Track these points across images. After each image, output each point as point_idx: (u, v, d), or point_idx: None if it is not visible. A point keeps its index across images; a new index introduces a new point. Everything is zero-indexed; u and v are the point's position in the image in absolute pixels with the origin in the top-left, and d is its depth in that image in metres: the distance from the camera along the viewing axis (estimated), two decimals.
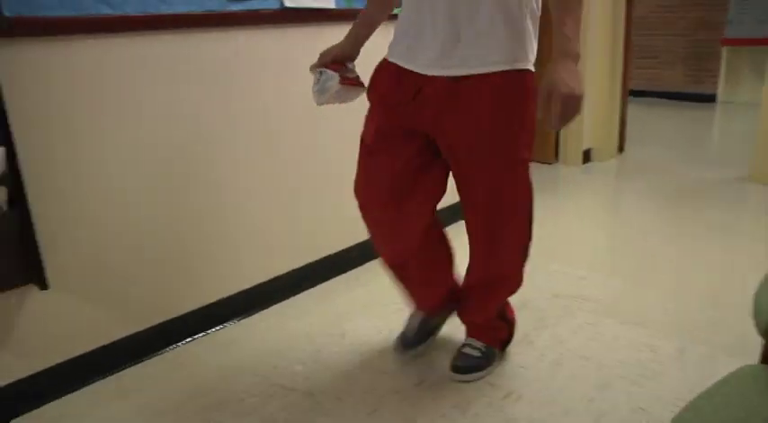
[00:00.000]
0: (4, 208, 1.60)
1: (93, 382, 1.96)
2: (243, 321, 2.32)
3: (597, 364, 1.94)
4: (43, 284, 1.74)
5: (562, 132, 4.41)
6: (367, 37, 1.82)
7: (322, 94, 1.71)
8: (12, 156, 1.59)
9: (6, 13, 1.60)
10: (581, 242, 3.06)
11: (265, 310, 2.38)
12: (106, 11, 1.79)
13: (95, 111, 1.83)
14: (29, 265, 1.71)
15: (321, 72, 1.72)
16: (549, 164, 4.45)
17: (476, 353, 1.90)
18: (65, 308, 1.87)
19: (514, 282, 1.86)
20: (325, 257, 2.63)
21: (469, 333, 1.97)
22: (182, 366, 2.05)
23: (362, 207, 1.78)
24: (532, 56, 1.55)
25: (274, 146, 2.33)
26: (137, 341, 2.06)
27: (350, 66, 1.77)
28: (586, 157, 4.47)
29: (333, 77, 1.69)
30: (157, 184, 2.02)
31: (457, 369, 1.90)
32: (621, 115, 4.60)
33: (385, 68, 1.66)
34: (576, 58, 1.35)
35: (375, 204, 1.74)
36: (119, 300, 2.00)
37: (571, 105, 1.32)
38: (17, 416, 1.81)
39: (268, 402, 1.82)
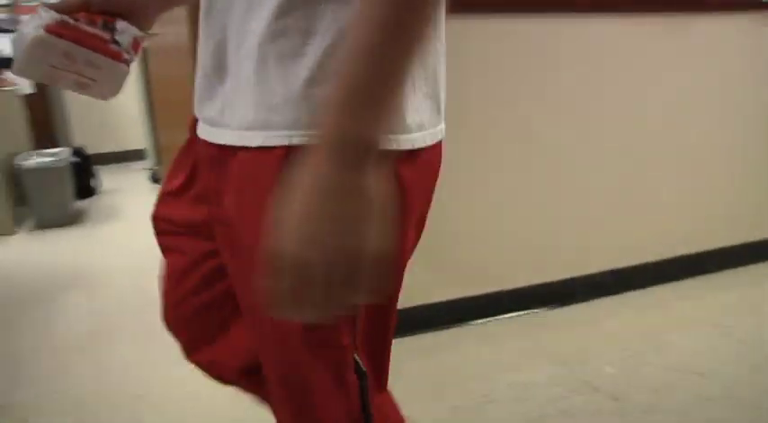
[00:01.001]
0: None
1: (411, 334, 2.14)
2: (558, 309, 2.34)
3: None
4: None
5: None
6: None
7: (18, 49, 0.87)
8: None
9: None
10: None
11: (581, 304, 2.36)
12: None
13: (483, 87, 1.99)
14: None
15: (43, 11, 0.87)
16: None
17: None
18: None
19: None
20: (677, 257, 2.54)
21: None
22: (487, 339, 2.13)
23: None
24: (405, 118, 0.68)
25: (631, 142, 2.29)
26: (458, 307, 2.20)
27: (121, 27, 0.89)
28: None
29: (41, 17, 0.84)
30: (522, 163, 2.13)
31: None
32: None
33: None
34: (350, 144, 0.53)
35: None
36: (443, 265, 2.14)
37: (288, 278, 0.54)
38: None
39: (569, 396, 1.80)
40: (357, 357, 0.77)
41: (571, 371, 1.92)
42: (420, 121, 0.71)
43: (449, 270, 2.14)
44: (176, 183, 0.92)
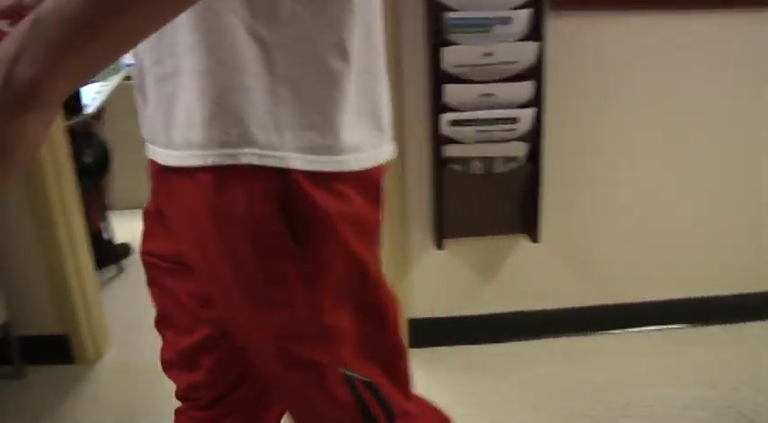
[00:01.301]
0: (523, 162, 1.78)
1: (531, 338, 2.09)
2: (703, 327, 2.18)
3: None
4: (535, 238, 1.90)
5: None
6: None
7: None
8: (538, 116, 1.74)
9: None
10: None
11: (731, 325, 2.18)
12: None
13: (620, 84, 1.89)
14: (527, 217, 1.89)
15: None
16: None
17: None
18: (548, 264, 2.01)
19: None
20: None
21: None
22: (627, 351, 2.04)
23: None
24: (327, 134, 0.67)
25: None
26: (592, 313, 2.11)
27: None
28: None
29: None
30: (661, 170, 2.00)
31: None
32: None
33: None
34: (17, 80, 0.43)
35: None
36: (592, 270, 2.07)
37: None
38: (479, 343, 2.06)
39: (695, 409, 1.71)
40: (348, 371, 0.75)
41: (720, 395, 1.79)
42: (356, 141, 0.68)
43: (592, 276, 2.07)
44: (151, 208, 0.88)
